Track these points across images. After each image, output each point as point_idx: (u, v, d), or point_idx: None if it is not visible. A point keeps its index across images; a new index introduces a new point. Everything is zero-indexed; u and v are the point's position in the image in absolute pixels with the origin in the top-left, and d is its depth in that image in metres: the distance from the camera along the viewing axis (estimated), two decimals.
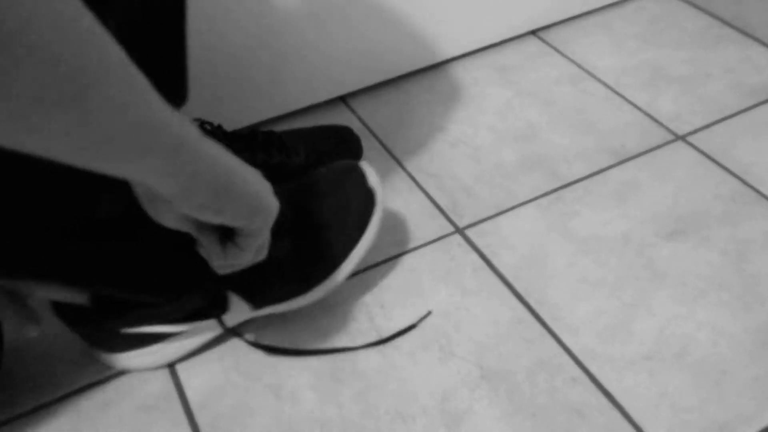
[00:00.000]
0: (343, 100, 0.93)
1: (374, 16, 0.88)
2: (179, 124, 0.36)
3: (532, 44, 1.01)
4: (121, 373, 0.63)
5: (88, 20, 0.29)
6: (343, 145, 0.79)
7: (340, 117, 0.90)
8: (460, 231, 0.75)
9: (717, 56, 0.97)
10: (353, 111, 0.91)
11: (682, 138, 0.85)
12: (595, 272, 0.70)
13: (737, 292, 0.68)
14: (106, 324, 0.59)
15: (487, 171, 0.82)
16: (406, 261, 0.72)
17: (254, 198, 0.44)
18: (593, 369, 0.62)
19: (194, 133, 0.38)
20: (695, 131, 0.86)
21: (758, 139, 0.84)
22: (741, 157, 0.82)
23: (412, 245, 0.74)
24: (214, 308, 0.60)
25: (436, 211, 0.77)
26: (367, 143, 0.86)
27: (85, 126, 0.30)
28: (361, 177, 0.65)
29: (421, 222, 0.76)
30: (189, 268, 0.55)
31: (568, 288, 0.69)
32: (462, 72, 0.97)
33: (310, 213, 0.63)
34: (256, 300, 0.61)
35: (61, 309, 0.59)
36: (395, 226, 0.76)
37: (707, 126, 0.86)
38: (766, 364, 0.62)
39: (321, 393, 0.61)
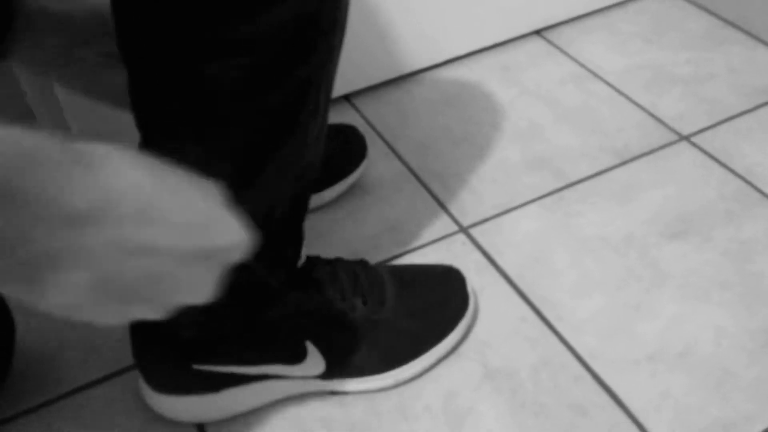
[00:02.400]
0: (348, 99, 0.93)
1: (378, 15, 0.88)
2: None
3: (536, 44, 1.01)
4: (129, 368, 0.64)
5: None
6: (347, 145, 0.79)
7: (344, 116, 0.91)
8: (464, 230, 0.75)
9: (720, 57, 0.97)
10: (358, 110, 0.92)
11: (686, 138, 0.85)
12: (599, 272, 0.70)
13: (739, 292, 0.68)
14: (179, 356, 0.57)
15: (491, 170, 0.82)
16: (411, 260, 0.72)
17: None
18: (596, 368, 0.62)
19: None
20: (699, 132, 0.86)
21: (762, 140, 0.84)
22: (744, 157, 0.82)
23: (416, 244, 0.74)
24: (291, 355, 0.58)
25: (441, 210, 0.78)
26: (372, 142, 0.86)
27: None
28: (462, 281, 0.66)
29: (426, 221, 0.76)
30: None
31: (572, 287, 0.69)
32: (466, 71, 0.97)
33: (409, 297, 0.63)
34: (331, 358, 0.59)
35: (136, 331, 0.58)
36: (399, 225, 0.76)
37: (711, 126, 0.87)
38: (766, 364, 0.62)
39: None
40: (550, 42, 1.02)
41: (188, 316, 0.54)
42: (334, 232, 0.76)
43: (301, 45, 0.44)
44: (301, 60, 0.45)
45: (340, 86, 0.91)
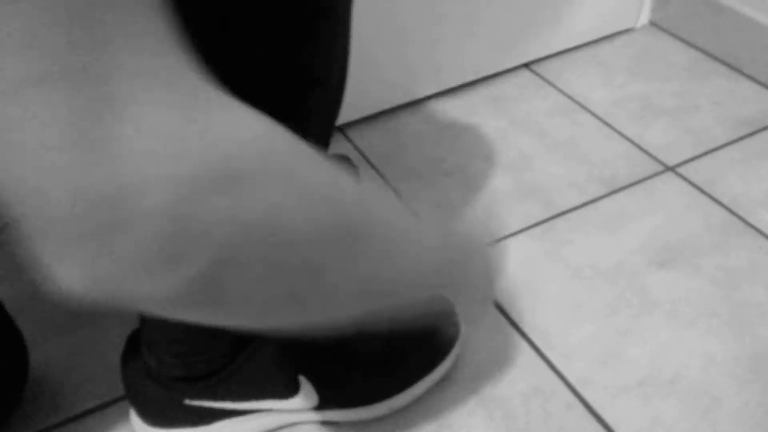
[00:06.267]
0: (341, 129, 0.95)
1: (372, 48, 0.90)
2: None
3: (525, 77, 1.04)
4: None
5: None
6: None
7: (337, 146, 0.92)
8: None
9: (704, 89, 1.00)
10: (351, 141, 0.93)
11: (672, 169, 0.87)
12: (589, 300, 0.71)
13: (727, 319, 0.69)
14: (172, 392, 0.57)
15: (482, 200, 0.83)
16: None
17: None
18: (587, 395, 0.63)
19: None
20: (684, 162, 0.88)
21: (745, 171, 0.86)
22: (729, 188, 0.84)
23: None
24: (284, 389, 0.58)
25: None
26: (365, 172, 0.87)
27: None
28: (452, 311, 0.67)
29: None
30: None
31: (562, 315, 0.70)
32: (457, 103, 0.99)
33: (400, 327, 0.63)
34: (324, 390, 0.59)
35: (127, 367, 0.58)
36: None
37: (696, 157, 0.89)
38: (754, 391, 0.63)
39: None
40: (538, 75, 1.04)
41: (176, 355, 0.55)
42: None
43: None
44: None
45: None
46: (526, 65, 1.06)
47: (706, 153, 0.89)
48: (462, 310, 0.68)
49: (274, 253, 0.25)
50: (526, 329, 0.69)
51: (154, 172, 0.21)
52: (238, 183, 0.23)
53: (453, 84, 1.00)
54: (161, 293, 0.23)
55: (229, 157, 0.23)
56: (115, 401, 0.64)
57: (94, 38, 0.20)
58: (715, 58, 1.06)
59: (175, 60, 0.23)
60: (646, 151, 0.90)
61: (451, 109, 0.98)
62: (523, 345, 0.67)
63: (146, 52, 0.22)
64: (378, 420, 0.61)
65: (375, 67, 0.92)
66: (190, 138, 0.22)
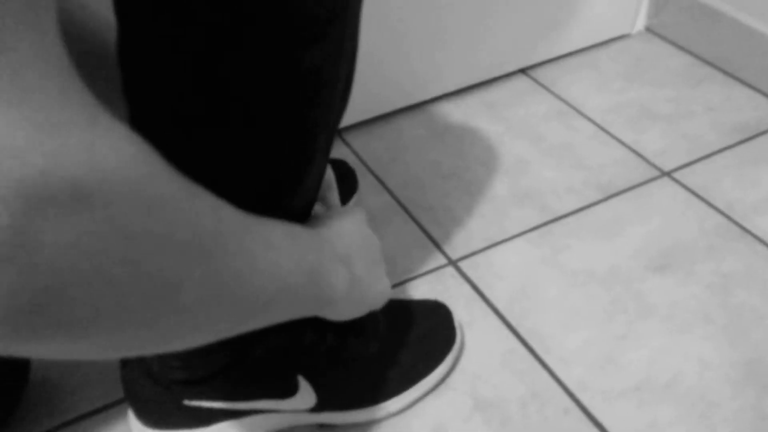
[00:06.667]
0: (339, 133, 0.95)
1: (369, 53, 0.90)
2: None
3: (522, 82, 1.04)
4: None
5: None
6: (338, 179, 0.80)
7: (335, 151, 0.92)
8: (453, 263, 0.77)
9: (700, 95, 1.01)
10: (348, 145, 0.93)
11: (667, 174, 0.88)
12: (586, 304, 0.72)
13: (722, 324, 0.70)
14: (171, 393, 0.57)
15: (479, 204, 0.84)
16: (401, 292, 0.73)
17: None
18: (584, 400, 0.63)
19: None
20: (680, 167, 0.89)
21: (740, 176, 0.87)
22: (724, 193, 0.85)
23: (406, 277, 0.75)
24: (283, 389, 0.58)
25: (430, 244, 0.79)
26: (362, 176, 0.88)
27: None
28: (449, 315, 0.67)
29: (415, 254, 0.78)
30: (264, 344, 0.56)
31: (559, 320, 0.70)
32: (454, 108, 0.99)
33: (398, 331, 0.64)
34: (322, 392, 0.59)
35: (126, 368, 0.58)
36: (390, 258, 0.77)
37: (691, 163, 0.89)
38: (749, 396, 0.63)
39: None
40: (535, 80, 1.05)
41: (177, 357, 0.55)
42: None
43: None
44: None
45: None
46: (523, 71, 1.06)
47: (701, 158, 0.90)
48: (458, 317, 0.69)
49: (124, 274, 0.25)
50: (523, 334, 0.69)
51: None
52: (85, 204, 0.22)
53: (450, 89, 1.01)
54: None
55: (77, 177, 0.22)
56: (115, 403, 0.64)
57: None
58: (711, 64, 1.07)
59: (37, 77, 0.22)
60: (641, 157, 0.90)
61: (448, 113, 0.98)
62: (521, 349, 0.68)
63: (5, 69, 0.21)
64: (375, 423, 0.62)
65: (373, 72, 0.92)
66: (32, 155, 0.21)
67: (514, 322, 0.70)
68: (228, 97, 0.40)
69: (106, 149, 0.23)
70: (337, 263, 0.44)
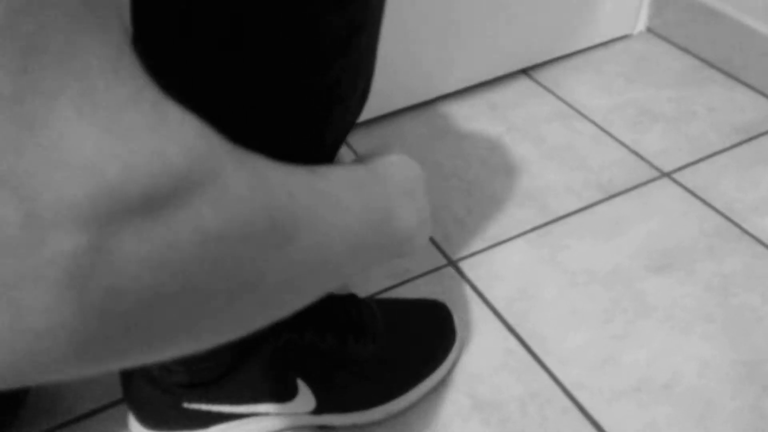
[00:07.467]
0: None
1: None
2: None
3: (523, 83, 1.04)
4: None
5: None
6: None
7: None
8: (453, 263, 0.77)
9: (700, 96, 1.01)
10: (349, 145, 0.93)
11: (668, 175, 0.88)
12: (585, 304, 0.72)
13: (722, 324, 0.70)
14: (171, 396, 0.57)
15: (480, 204, 0.84)
16: (401, 292, 0.74)
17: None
18: (583, 400, 0.63)
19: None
20: (680, 168, 0.89)
21: (740, 177, 0.87)
22: (724, 194, 0.85)
23: (406, 276, 0.75)
24: (282, 393, 0.58)
25: (430, 243, 0.79)
26: None
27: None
28: (449, 315, 0.67)
29: (415, 253, 0.78)
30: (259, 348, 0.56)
31: (559, 320, 0.70)
32: (455, 108, 0.99)
33: (397, 331, 0.64)
34: (322, 394, 0.59)
35: (126, 377, 0.58)
36: None
37: (692, 164, 0.89)
38: (748, 396, 0.63)
39: None
40: (536, 81, 1.05)
41: (180, 362, 0.55)
42: None
43: None
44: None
45: None
46: (524, 71, 1.07)
47: (701, 159, 0.90)
48: (458, 316, 0.69)
49: (205, 278, 0.23)
50: (523, 334, 0.69)
51: (66, 194, 0.19)
52: (160, 213, 0.21)
53: (451, 89, 1.01)
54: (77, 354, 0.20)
55: (149, 186, 0.20)
56: (114, 404, 0.64)
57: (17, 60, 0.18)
58: (712, 65, 1.07)
59: (106, 82, 0.20)
60: (642, 157, 0.90)
61: (449, 114, 0.98)
62: (520, 350, 0.68)
63: (74, 72, 0.19)
64: (375, 425, 0.62)
65: (375, 72, 0.92)
66: (103, 166, 0.20)
67: (513, 323, 0.70)
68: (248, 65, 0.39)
69: (178, 150, 0.22)
70: (403, 198, 0.43)
